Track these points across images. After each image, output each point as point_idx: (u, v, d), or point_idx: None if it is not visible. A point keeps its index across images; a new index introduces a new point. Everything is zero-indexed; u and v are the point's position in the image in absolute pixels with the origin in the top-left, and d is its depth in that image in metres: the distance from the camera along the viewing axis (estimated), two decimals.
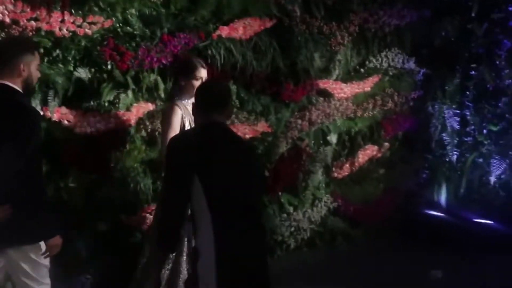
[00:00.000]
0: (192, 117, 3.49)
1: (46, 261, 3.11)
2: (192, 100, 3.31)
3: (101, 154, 4.17)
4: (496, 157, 7.28)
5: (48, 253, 3.04)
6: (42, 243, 3.04)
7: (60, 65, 3.94)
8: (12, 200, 2.80)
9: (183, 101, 3.89)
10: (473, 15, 7.17)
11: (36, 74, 3.06)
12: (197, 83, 3.74)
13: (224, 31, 4.83)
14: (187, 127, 3.78)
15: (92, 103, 4.13)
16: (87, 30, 3.96)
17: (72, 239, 4.04)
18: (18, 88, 2.94)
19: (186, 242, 3.67)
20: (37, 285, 3.11)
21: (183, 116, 3.81)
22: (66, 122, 3.96)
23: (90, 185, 4.17)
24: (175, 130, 3.72)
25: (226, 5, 4.92)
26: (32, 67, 2.99)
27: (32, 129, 2.90)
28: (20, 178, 2.80)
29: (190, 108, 3.44)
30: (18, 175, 2.79)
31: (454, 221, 7.13)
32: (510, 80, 7.23)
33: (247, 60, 5.02)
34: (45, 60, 3.86)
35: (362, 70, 6.46)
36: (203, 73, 3.91)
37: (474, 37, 7.23)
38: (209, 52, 4.74)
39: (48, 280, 3.16)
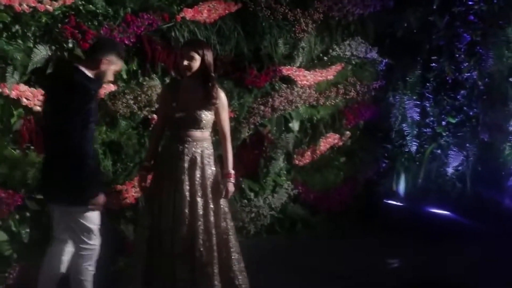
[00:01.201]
0: None
1: (91, 223, 3.45)
2: None
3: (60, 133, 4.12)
4: (454, 149, 7.45)
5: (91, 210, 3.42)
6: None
7: (20, 41, 3.89)
8: (64, 156, 3.31)
9: None
10: (434, 7, 7.28)
11: (110, 75, 3.54)
12: None
13: (188, 13, 4.84)
14: None
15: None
16: (48, 6, 3.92)
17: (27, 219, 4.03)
18: (88, 73, 3.39)
19: None
20: (83, 245, 3.49)
21: None
22: (24, 100, 3.91)
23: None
24: None
25: None
26: (111, 67, 3.48)
27: (84, 101, 3.30)
28: (74, 138, 3.28)
29: None
30: (73, 135, 3.28)
31: (412, 211, 7.28)
32: (469, 73, 7.38)
33: (210, 44, 5.00)
34: (4, 35, 3.81)
35: (325, 58, 6.49)
36: None
37: (435, 29, 7.35)
38: (173, 34, 4.75)
39: (94, 242, 3.50)
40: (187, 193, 3.87)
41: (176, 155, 3.91)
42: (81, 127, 3.27)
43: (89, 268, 3.55)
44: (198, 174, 3.91)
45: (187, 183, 3.89)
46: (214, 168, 4.01)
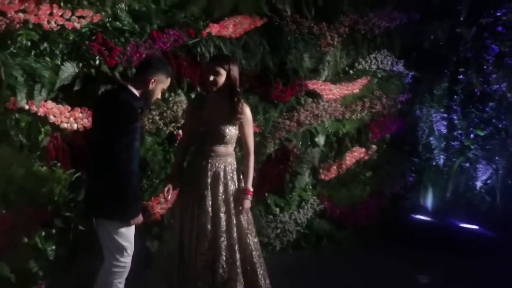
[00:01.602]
0: None
1: (126, 241, 3.48)
2: None
3: (87, 150, 4.13)
4: (483, 162, 7.34)
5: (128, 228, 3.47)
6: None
7: (47, 59, 3.92)
8: (110, 174, 3.36)
9: None
10: (461, 19, 7.22)
11: (157, 93, 3.59)
12: None
13: (214, 28, 4.85)
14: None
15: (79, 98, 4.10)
16: (75, 24, 3.95)
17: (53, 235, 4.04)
18: (135, 91, 3.46)
19: None
20: (114, 262, 3.51)
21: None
22: (52, 117, 3.93)
23: (74, 181, 4.14)
24: None
25: (216, 3, 4.94)
26: (159, 86, 3.55)
27: (129, 120, 3.36)
28: (121, 157, 3.33)
29: None
30: (119, 153, 3.33)
31: (440, 226, 7.19)
32: (497, 85, 7.28)
33: (236, 59, 4.97)
34: (32, 53, 3.85)
35: (351, 71, 6.48)
36: None
37: (462, 41, 7.29)
38: (199, 49, 4.76)
39: (125, 260, 3.51)
40: (209, 209, 3.86)
41: (200, 170, 3.90)
42: (126, 146, 3.33)
43: (119, 286, 3.56)
44: (221, 189, 3.90)
45: (209, 198, 3.88)
46: (238, 184, 4.00)
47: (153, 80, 3.49)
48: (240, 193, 3.99)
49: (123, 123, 3.35)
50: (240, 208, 3.95)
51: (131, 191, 3.40)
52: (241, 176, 4.04)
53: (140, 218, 3.49)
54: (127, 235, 3.51)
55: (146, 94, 3.53)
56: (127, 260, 3.55)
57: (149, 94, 3.54)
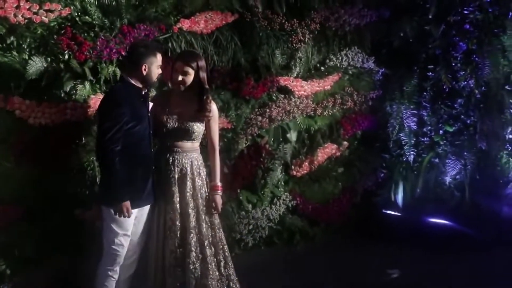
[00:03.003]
0: None
1: (118, 227, 3.61)
2: None
3: (56, 146, 4.07)
4: (452, 158, 7.39)
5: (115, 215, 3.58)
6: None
7: (15, 53, 3.83)
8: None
9: None
10: (430, 17, 7.27)
11: (155, 73, 3.74)
12: None
13: (185, 24, 4.80)
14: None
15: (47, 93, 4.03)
16: (43, 18, 3.87)
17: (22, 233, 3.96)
18: (131, 81, 3.66)
19: None
20: (106, 246, 3.67)
21: None
22: (19, 112, 3.84)
23: (42, 178, 4.07)
24: None
25: None
26: (152, 67, 3.69)
27: (110, 106, 3.56)
28: (100, 141, 3.55)
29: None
30: (99, 138, 3.57)
31: (411, 221, 7.22)
32: (465, 82, 7.35)
33: (208, 54, 4.99)
34: None
35: (322, 68, 6.46)
36: None
37: (431, 38, 7.33)
38: (170, 45, 4.70)
39: (116, 248, 3.63)
40: (177, 205, 3.85)
41: (166, 166, 3.89)
42: (108, 129, 3.46)
43: (109, 274, 3.65)
44: (188, 185, 3.90)
45: (177, 194, 3.87)
46: (205, 179, 3.99)
47: (144, 66, 3.66)
48: (211, 189, 3.97)
49: (103, 109, 3.59)
50: (214, 205, 3.93)
51: (116, 175, 3.48)
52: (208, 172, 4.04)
53: (125, 206, 3.52)
54: (121, 222, 3.59)
55: (144, 79, 3.70)
56: (118, 248, 3.63)
57: (147, 78, 3.71)
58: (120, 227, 3.62)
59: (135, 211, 3.67)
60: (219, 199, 4.00)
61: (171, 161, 3.89)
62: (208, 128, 4.00)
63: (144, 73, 3.67)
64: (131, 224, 3.68)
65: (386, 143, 7.55)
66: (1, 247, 3.89)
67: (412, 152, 7.42)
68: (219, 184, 4.02)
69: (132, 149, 3.60)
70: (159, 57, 3.76)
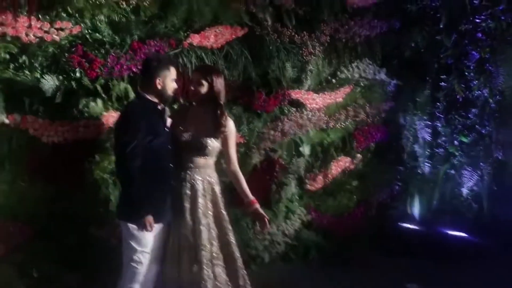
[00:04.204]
0: None
1: (136, 243, 3.61)
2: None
3: (69, 164, 4.10)
4: (468, 169, 7.38)
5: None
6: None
7: (27, 72, 3.87)
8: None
9: None
10: (441, 26, 7.30)
11: (170, 87, 3.75)
12: None
13: (195, 39, 4.84)
14: None
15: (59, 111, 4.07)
16: (54, 36, 3.92)
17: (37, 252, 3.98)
18: (146, 96, 3.71)
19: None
20: (125, 264, 3.66)
21: None
22: (32, 130, 3.89)
23: (56, 196, 4.10)
24: None
25: (197, 13, 4.93)
26: (167, 80, 3.71)
27: (126, 121, 3.61)
28: (117, 156, 3.67)
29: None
30: (116, 153, 3.68)
31: (428, 234, 7.19)
32: (479, 91, 7.35)
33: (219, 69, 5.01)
34: (11, 66, 3.80)
35: (333, 80, 6.49)
36: None
37: (443, 48, 7.36)
38: (180, 60, 4.73)
39: (135, 265, 3.62)
40: (190, 222, 3.84)
41: (178, 182, 3.89)
42: (124, 145, 3.50)
43: None
44: (201, 202, 3.88)
45: (189, 211, 3.86)
46: (220, 196, 3.99)
47: (158, 80, 3.69)
48: (248, 205, 4.00)
49: (120, 125, 3.64)
50: (259, 219, 3.99)
51: (137, 190, 3.52)
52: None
53: (148, 220, 3.54)
54: (139, 238, 3.61)
55: (159, 93, 3.72)
56: (137, 266, 3.62)
57: (162, 92, 3.73)
58: (138, 244, 3.63)
59: (155, 227, 3.68)
60: (261, 211, 4.00)
61: (183, 176, 3.89)
62: (225, 145, 3.99)
63: (159, 87, 3.70)
64: (150, 241, 3.68)
65: (400, 155, 7.56)
66: (16, 265, 3.90)
67: (427, 164, 7.43)
68: (252, 197, 4.01)
69: (151, 164, 3.62)
70: (172, 70, 3.78)
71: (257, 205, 3.99)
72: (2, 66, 3.78)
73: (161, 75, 3.70)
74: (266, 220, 3.98)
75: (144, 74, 3.81)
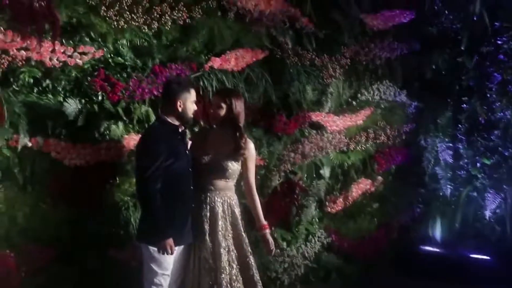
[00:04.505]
0: None
1: (157, 266, 3.64)
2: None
3: (91, 187, 4.10)
4: (490, 191, 7.30)
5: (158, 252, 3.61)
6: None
7: (50, 96, 3.90)
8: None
9: None
10: (462, 48, 7.27)
11: (190, 109, 3.79)
12: None
13: (216, 62, 4.85)
14: None
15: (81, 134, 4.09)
16: (77, 60, 3.93)
17: (59, 275, 3.98)
18: (167, 119, 3.76)
19: None
20: (145, 287, 3.72)
21: None
22: (54, 153, 3.92)
23: (78, 219, 4.09)
24: None
25: (218, 37, 4.93)
26: (187, 102, 3.76)
27: (147, 143, 3.70)
28: (138, 179, 3.72)
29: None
30: (137, 175, 3.74)
31: (450, 257, 7.10)
32: (501, 113, 7.29)
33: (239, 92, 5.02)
34: (35, 90, 3.84)
35: (354, 102, 6.52)
36: None
37: (464, 70, 7.33)
38: (201, 83, 4.74)
39: (154, 287, 3.65)
40: (210, 244, 3.85)
41: (198, 203, 3.89)
42: (146, 168, 3.55)
43: None
44: (220, 224, 3.88)
45: (209, 233, 3.87)
46: (240, 219, 3.98)
47: (179, 103, 3.73)
48: (259, 229, 4.03)
49: (141, 147, 3.71)
50: (266, 245, 4.01)
51: (158, 212, 3.54)
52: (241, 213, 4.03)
53: (168, 243, 3.54)
54: (160, 261, 3.62)
55: (180, 116, 3.77)
56: None
57: (183, 114, 3.78)
58: (159, 267, 3.63)
59: (176, 249, 3.68)
60: (269, 237, 4.02)
61: (203, 198, 3.90)
62: (244, 167, 4.01)
63: (180, 109, 3.74)
64: (171, 263, 3.68)
65: (422, 177, 7.54)
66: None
67: (449, 186, 7.38)
68: (265, 222, 4.05)
69: (172, 186, 3.64)
70: (193, 92, 3.83)
71: (267, 231, 4.05)
72: (26, 90, 3.80)
73: (181, 98, 3.74)
74: (271, 247, 4.03)
75: (165, 97, 3.85)
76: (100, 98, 4.11)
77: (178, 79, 4.13)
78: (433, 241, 7.48)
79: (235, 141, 3.92)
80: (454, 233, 7.44)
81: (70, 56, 3.90)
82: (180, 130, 3.82)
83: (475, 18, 7.22)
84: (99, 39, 4.13)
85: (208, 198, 3.91)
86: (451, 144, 7.41)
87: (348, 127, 6.29)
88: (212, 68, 4.83)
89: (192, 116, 3.86)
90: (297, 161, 5.71)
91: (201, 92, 4.73)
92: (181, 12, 4.52)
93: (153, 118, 4.38)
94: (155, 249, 3.61)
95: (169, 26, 4.53)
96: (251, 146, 4.02)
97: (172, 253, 3.60)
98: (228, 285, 3.83)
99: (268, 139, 5.50)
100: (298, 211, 5.90)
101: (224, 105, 3.91)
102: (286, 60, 5.57)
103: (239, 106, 3.96)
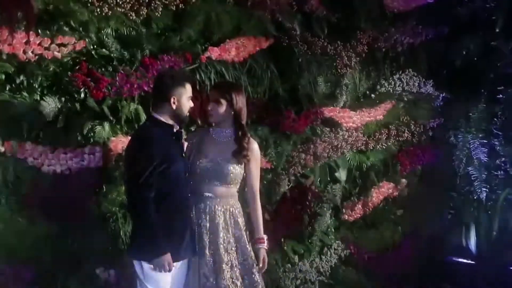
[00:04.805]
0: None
1: (152, 284, 3.60)
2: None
3: (73, 197, 4.10)
4: None
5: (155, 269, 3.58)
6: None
7: (25, 94, 3.91)
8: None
9: None
10: (497, 30, 7.24)
11: (186, 106, 3.74)
12: None
13: (214, 52, 4.85)
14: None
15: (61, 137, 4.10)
16: (56, 53, 3.94)
17: None
18: (159, 118, 3.70)
19: None
20: None
21: None
22: (31, 159, 3.93)
23: (59, 234, 4.11)
24: None
25: (216, 23, 4.95)
26: (182, 99, 3.70)
27: (137, 148, 3.60)
28: (128, 187, 3.69)
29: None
30: (127, 183, 3.71)
31: (486, 270, 7.08)
32: None
33: (241, 86, 5.00)
34: (7, 88, 3.85)
35: (373, 95, 6.53)
36: None
37: (500, 55, 7.29)
38: (198, 76, 4.75)
39: None
40: (210, 259, 3.84)
41: (197, 214, 3.89)
42: (136, 175, 3.49)
43: None
44: (222, 236, 3.87)
45: (209, 246, 3.86)
46: (244, 230, 3.98)
47: (173, 99, 3.67)
48: (253, 244, 3.99)
49: (131, 151, 3.64)
50: (258, 261, 3.95)
51: (152, 224, 3.50)
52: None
53: (166, 259, 3.52)
54: (157, 280, 3.59)
55: (175, 114, 3.71)
56: None
57: (178, 112, 3.71)
58: (156, 287, 3.61)
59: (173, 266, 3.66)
60: (263, 253, 3.99)
61: (202, 208, 3.89)
62: (247, 171, 3.99)
63: (174, 106, 3.68)
64: (168, 282, 3.66)
65: (452, 179, 7.51)
66: None
67: (484, 189, 7.35)
68: (263, 236, 4.02)
69: (167, 194, 3.62)
70: (188, 87, 3.76)
71: (263, 246, 4.01)
72: None
73: (175, 93, 3.68)
74: (261, 265, 3.99)
75: (157, 93, 3.80)
76: (82, 95, 4.12)
77: (171, 72, 4.12)
78: (467, 252, 7.46)
79: (237, 141, 3.92)
80: (491, 243, 7.41)
81: (47, 49, 3.91)
82: (175, 131, 3.80)
83: None
84: (80, 29, 4.14)
85: (208, 207, 3.89)
86: (485, 141, 7.38)
87: (366, 124, 6.29)
88: (209, 59, 4.83)
89: (188, 114, 3.82)
90: (308, 163, 5.70)
91: (197, 87, 4.74)
92: None
93: (143, 117, 4.39)
94: (151, 266, 3.58)
95: (160, 12, 4.54)
96: (255, 146, 4.00)
97: (170, 270, 3.58)
98: None
99: (275, 139, 5.50)
100: (311, 220, 5.89)
101: (224, 101, 3.89)
102: (294, 48, 5.56)
103: (240, 101, 3.94)
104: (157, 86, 3.81)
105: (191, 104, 3.79)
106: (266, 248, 4.01)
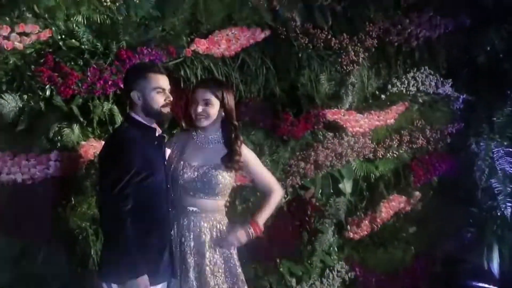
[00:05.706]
0: None
1: None
2: None
3: (37, 211, 4.08)
4: None
5: None
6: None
7: None
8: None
9: None
10: None
11: (157, 98, 3.66)
12: None
13: (201, 45, 4.86)
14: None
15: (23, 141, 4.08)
16: (16, 44, 3.93)
17: None
18: (136, 117, 3.69)
19: None
20: None
21: None
22: None
23: (22, 254, 4.10)
24: None
25: (203, 12, 4.96)
26: (146, 92, 3.64)
27: (112, 157, 3.55)
28: (101, 197, 3.66)
29: None
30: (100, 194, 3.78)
31: None
32: None
33: (232, 84, 5.01)
34: None
35: (383, 96, 6.53)
36: None
37: None
38: (182, 72, 4.75)
39: None
40: (194, 283, 3.84)
41: (179, 231, 3.88)
42: (111, 184, 3.45)
43: None
44: (208, 257, 3.86)
45: (193, 269, 3.86)
46: (233, 249, 3.95)
47: (137, 96, 3.64)
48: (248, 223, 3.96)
49: (106, 157, 3.60)
50: (232, 242, 3.90)
51: (128, 242, 3.45)
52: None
53: (142, 282, 3.49)
54: None
55: (146, 112, 3.68)
56: None
57: (147, 110, 3.68)
58: None
59: None
60: (243, 236, 3.89)
61: (185, 224, 3.87)
62: (254, 173, 4.05)
63: (139, 103, 3.65)
64: None
65: (473, 193, 7.51)
66: None
67: (509, 204, 7.32)
68: (258, 221, 3.95)
69: (145, 208, 3.58)
70: (153, 78, 3.67)
71: (251, 232, 3.91)
72: None
73: (137, 87, 3.64)
74: (232, 243, 3.91)
75: (123, 89, 3.83)
76: (48, 93, 4.11)
77: (135, 64, 4.15)
78: (489, 275, 7.44)
79: (229, 144, 3.91)
80: None
81: (7, 38, 3.89)
82: (157, 134, 3.75)
83: None
84: (46, 15, 4.12)
85: (192, 223, 3.86)
86: (511, 150, 7.38)
87: (375, 128, 6.27)
88: (196, 53, 4.83)
89: (164, 109, 3.73)
90: (308, 172, 5.69)
91: (182, 85, 4.71)
92: None
93: (119, 118, 4.40)
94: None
95: None
96: (245, 150, 4.00)
97: None
98: None
99: (270, 145, 5.51)
100: (311, 238, 5.89)
101: (216, 101, 3.86)
102: (293, 41, 5.56)
103: (231, 100, 3.95)
104: (123, 79, 3.84)
105: (167, 97, 3.72)
106: (249, 234, 3.91)
